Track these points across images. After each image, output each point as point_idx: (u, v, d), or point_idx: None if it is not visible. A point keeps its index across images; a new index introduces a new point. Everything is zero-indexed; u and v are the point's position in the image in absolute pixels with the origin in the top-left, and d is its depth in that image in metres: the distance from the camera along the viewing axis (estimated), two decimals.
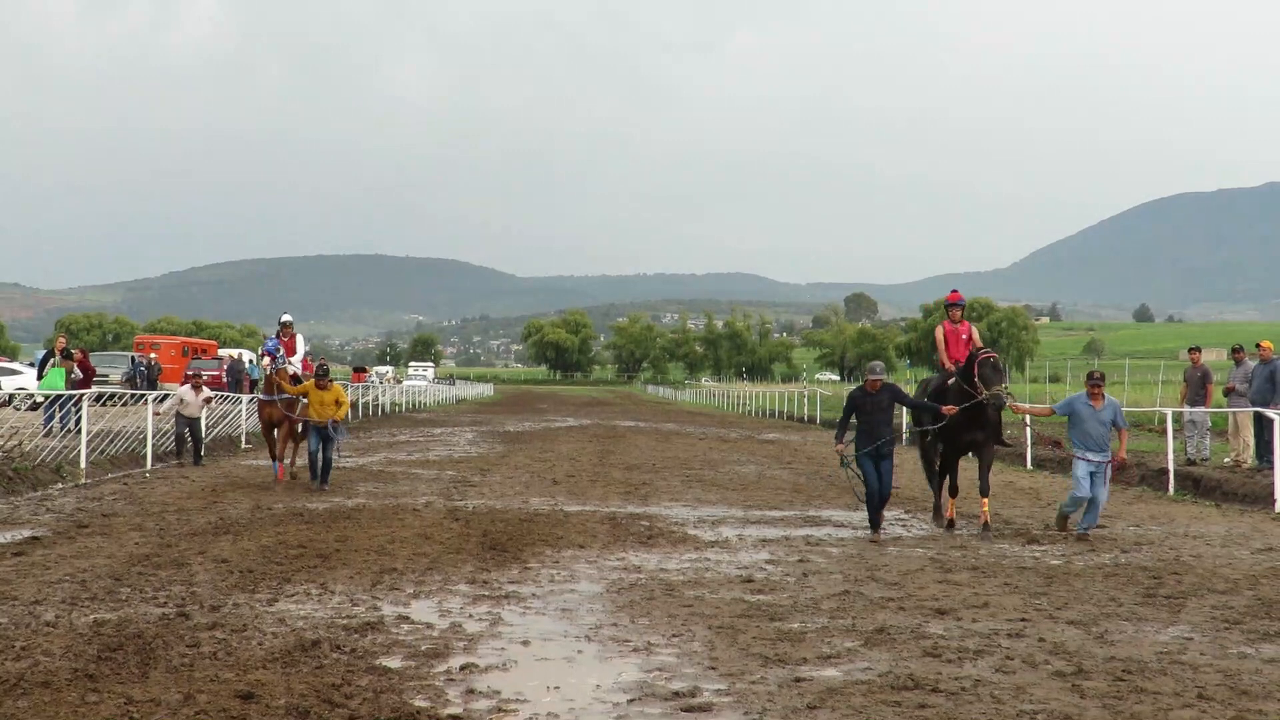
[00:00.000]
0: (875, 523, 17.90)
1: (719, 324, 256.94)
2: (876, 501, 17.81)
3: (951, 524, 18.84)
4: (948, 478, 19.34)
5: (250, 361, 62.39)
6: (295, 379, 24.56)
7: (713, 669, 9.57)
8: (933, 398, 19.67)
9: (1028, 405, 28.62)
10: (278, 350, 24.50)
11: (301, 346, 25.38)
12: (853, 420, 18.11)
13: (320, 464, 23.14)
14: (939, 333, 20.41)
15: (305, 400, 23.60)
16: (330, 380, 23.57)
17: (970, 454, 19.43)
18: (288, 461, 25.02)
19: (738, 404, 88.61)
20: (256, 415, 25.40)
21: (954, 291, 21.13)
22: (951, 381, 19.14)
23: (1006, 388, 18.91)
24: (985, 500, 18.66)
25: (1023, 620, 11.62)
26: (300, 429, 24.91)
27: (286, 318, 25.38)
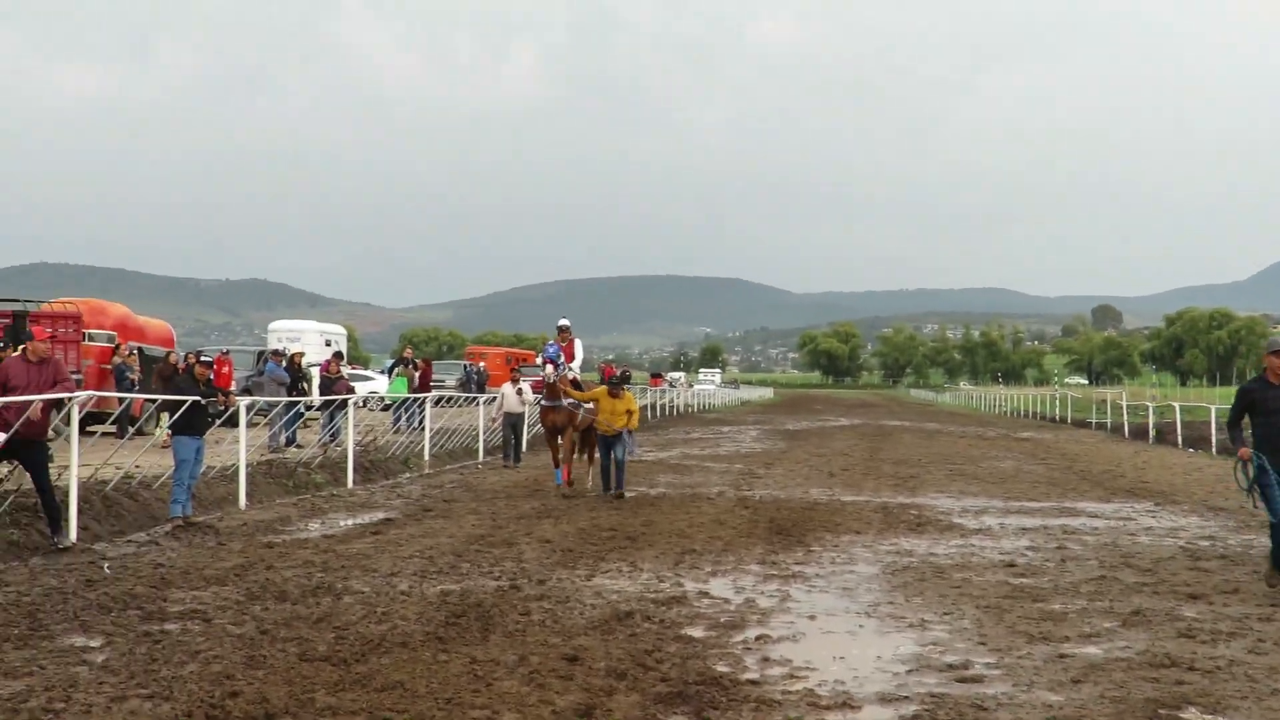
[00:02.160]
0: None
1: (976, 334, 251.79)
2: None
3: None
4: None
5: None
6: (576, 384, 21.66)
7: (982, 644, 9.36)
8: None
9: None
10: (559, 356, 21.35)
11: (580, 352, 22.20)
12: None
13: (614, 472, 20.15)
14: None
15: (589, 407, 20.76)
16: (624, 388, 20.91)
17: None
18: (578, 472, 21.62)
19: (994, 405, 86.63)
20: (541, 422, 22.21)
21: None
22: None
23: None
24: None
25: (1273, 605, 11.02)
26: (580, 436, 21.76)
27: (564, 322, 22.30)
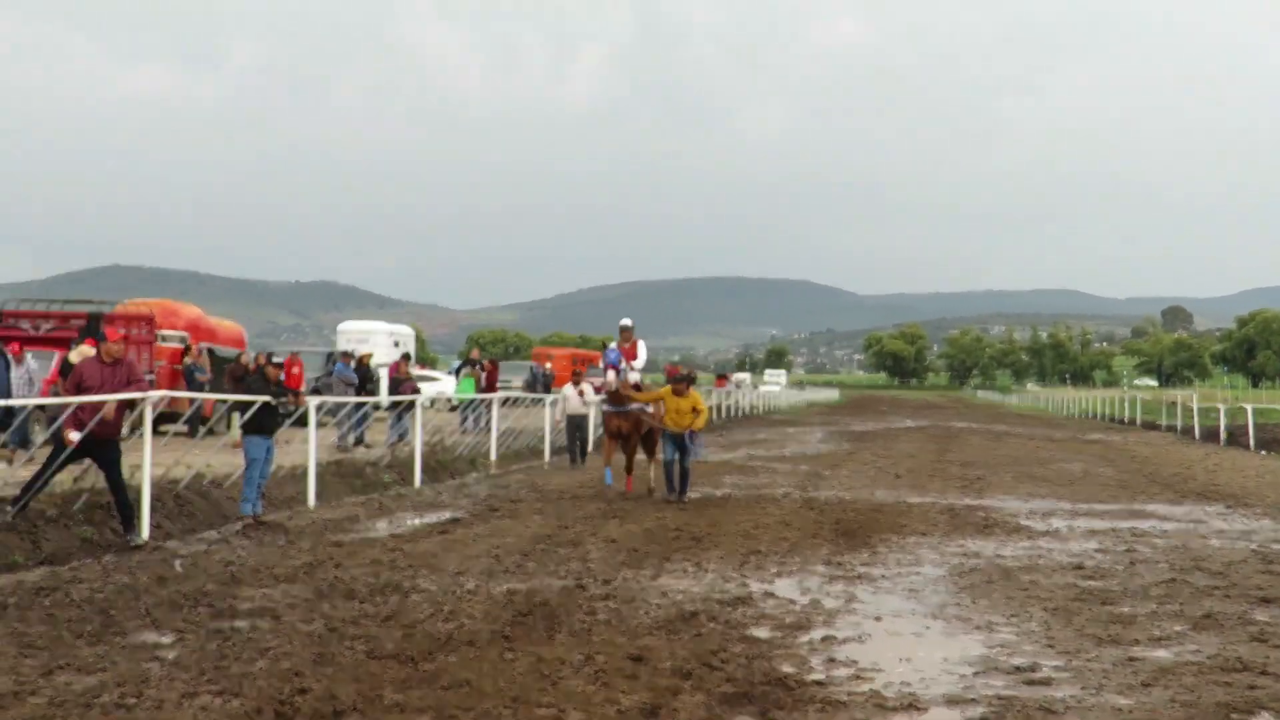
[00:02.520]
0: None
1: (1043, 335, 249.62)
2: None
3: None
4: None
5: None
6: (637, 387, 21.04)
7: (1050, 647, 9.26)
8: None
9: None
10: (620, 361, 20.66)
11: (644, 353, 21.41)
12: None
13: (678, 475, 19.52)
14: None
15: (653, 409, 20.26)
16: (689, 386, 20.43)
17: None
18: (640, 473, 21.23)
19: (1062, 407, 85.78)
20: (604, 427, 21.62)
21: None
22: None
23: None
24: None
25: None
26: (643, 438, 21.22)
27: (626, 322, 21.49)
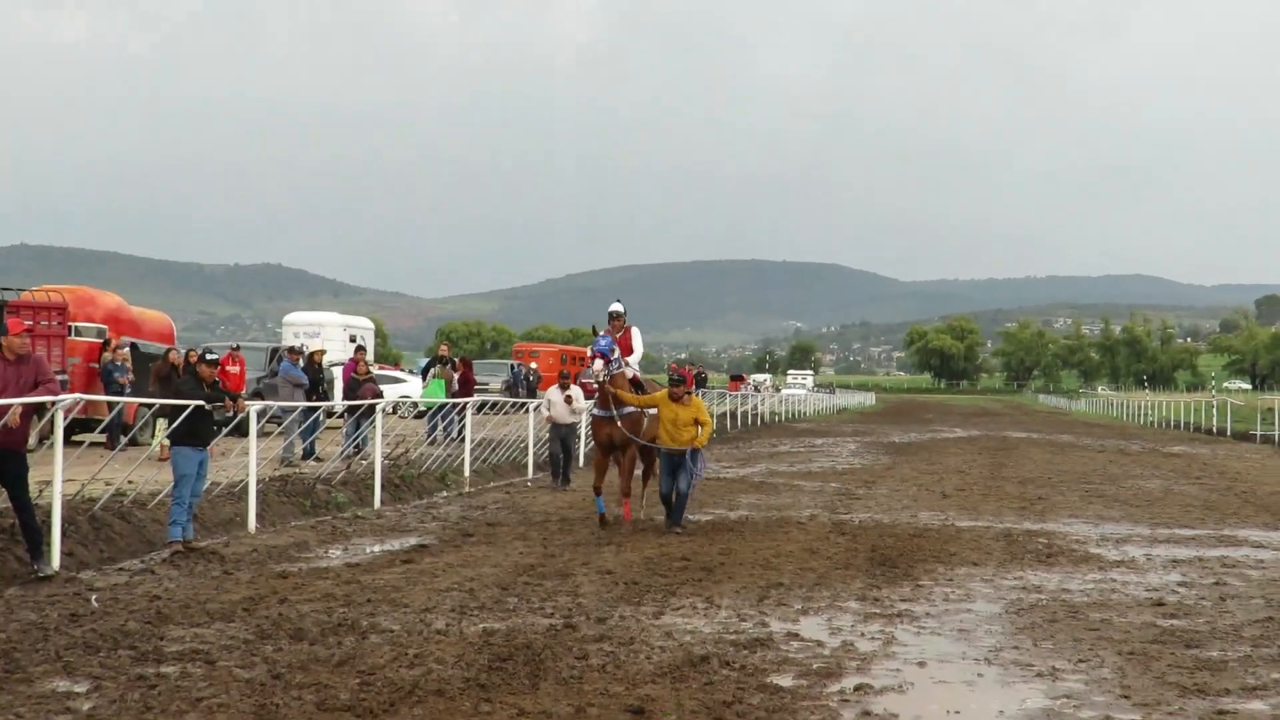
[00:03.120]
0: None
1: (1116, 329, 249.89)
2: None
3: None
4: None
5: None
6: (637, 385, 19.83)
7: (1125, 698, 9.26)
8: None
9: None
10: (612, 350, 19.37)
11: (639, 345, 20.29)
12: None
13: (674, 500, 18.52)
14: None
15: (653, 413, 19.20)
16: (691, 392, 19.30)
17: None
18: (635, 491, 20.14)
19: (1137, 414, 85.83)
20: (593, 437, 20.52)
21: None
22: None
23: None
24: None
25: None
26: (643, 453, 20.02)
27: (617, 306, 20.38)
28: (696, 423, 18.56)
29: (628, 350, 20.00)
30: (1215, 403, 68.92)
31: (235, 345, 35.20)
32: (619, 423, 19.26)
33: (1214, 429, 60.98)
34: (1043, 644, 11.12)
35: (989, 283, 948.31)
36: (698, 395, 18.89)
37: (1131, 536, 18.98)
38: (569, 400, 25.64)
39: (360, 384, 28.13)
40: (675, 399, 18.58)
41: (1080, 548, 17.50)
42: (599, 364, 19.12)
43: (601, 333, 19.82)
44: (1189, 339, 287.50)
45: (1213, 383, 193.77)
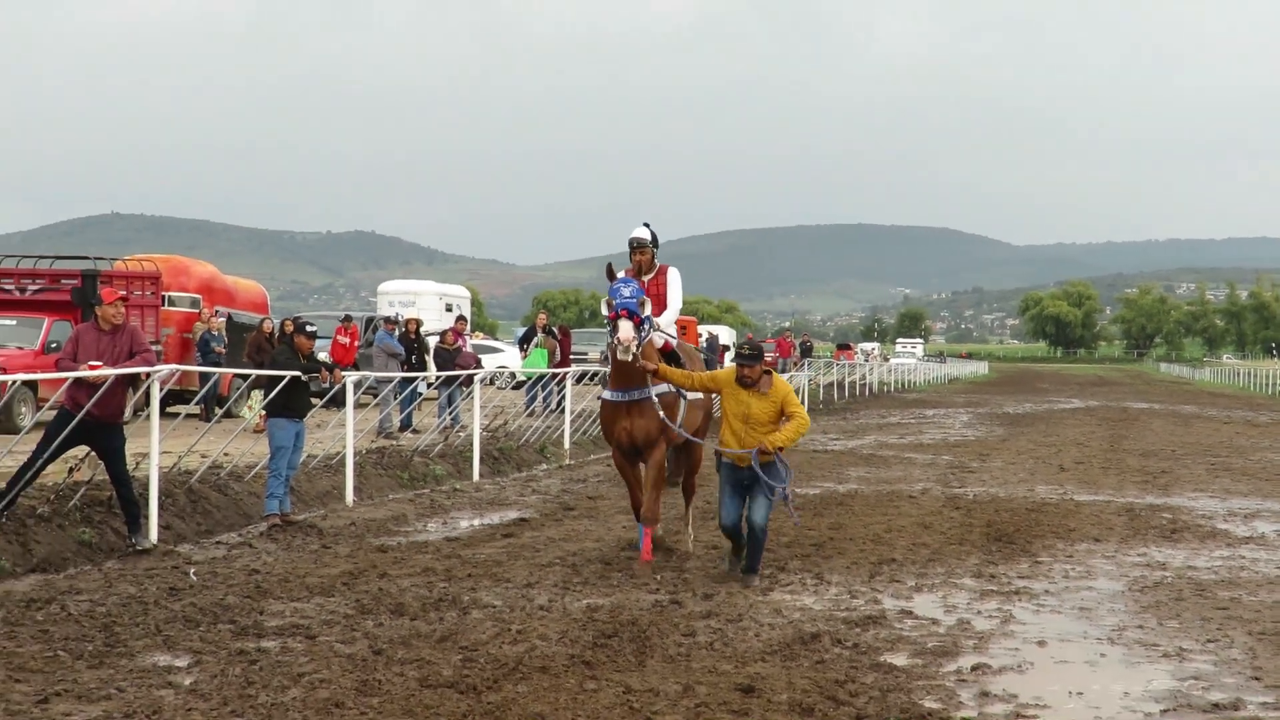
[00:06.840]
0: None
1: (1242, 294, 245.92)
2: None
3: None
4: None
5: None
6: (672, 356, 13.96)
7: (1256, 679, 9.17)
8: None
9: None
10: (642, 305, 13.11)
11: (677, 295, 14.21)
12: None
13: (746, 535, 12.68)
14: None
15: (696, 398, 13.94)
16: (770, 372, 12.74)
17: None
18: (672, 514, 15.49)
19: (1266, 384, 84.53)
20: (605, 434, 14.58)
21: None
22: None
23: None
24: None
25: None
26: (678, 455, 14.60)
27: (641, 233, 14.19)
28: (781, 415, 12.53)
29: (661, 305, 14.11)
30: None
31: (346, 315, 34.56)
32: (655, 409, 13.43)
33: None
34: (1168, 623, 11.03)
35: (1107, 246, 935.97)
36: (778, 374, 12.96)
37: (1261, 512, 18.76)
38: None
39: (455, 354, 28.19)
40: (746, 384, 12.47)
41: (1206, 523, 17.32)
42: (627, 328, 12.94)
43: (622, 273, 13.78)
44: None
45: None
